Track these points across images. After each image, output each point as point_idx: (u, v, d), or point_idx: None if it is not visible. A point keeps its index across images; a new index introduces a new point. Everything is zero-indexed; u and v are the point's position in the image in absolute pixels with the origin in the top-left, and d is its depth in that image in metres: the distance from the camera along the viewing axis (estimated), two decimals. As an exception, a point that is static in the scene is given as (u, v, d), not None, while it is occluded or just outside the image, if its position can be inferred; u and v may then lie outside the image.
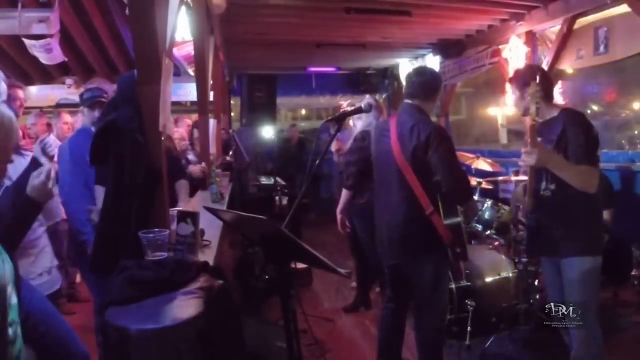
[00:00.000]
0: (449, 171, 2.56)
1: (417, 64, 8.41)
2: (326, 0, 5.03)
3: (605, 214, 3.95)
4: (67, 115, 4.59)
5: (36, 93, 8.29)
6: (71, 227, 3.25)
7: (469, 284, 3.62)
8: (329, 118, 2.47)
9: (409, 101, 2.77)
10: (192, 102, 8.58)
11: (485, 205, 4.03)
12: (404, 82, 9.21)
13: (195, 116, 5.84)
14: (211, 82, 5.10)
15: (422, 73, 2.83)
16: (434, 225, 2.61)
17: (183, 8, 3.62)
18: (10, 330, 1.30)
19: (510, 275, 3.68)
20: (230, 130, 6.78)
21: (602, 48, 4.75)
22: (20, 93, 3.73)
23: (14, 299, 1.37)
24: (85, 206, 2.93)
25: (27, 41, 5.52)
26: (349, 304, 4.38)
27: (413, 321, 2.95)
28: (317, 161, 2.07)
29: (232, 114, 9.50)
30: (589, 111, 10.62)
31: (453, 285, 3.53)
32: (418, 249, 2.69)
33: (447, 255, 2.66)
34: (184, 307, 1.48)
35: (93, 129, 3.01)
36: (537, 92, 2.29)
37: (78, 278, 4.89)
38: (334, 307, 4.42)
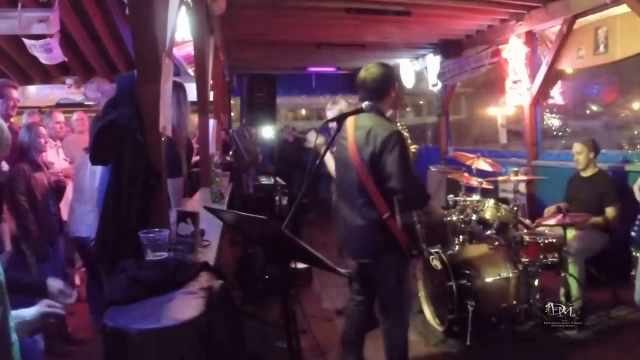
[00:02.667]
0: (400, 177, 2.54)
1: (418, 63, 8.42)
2: (326, 0, 5.03)
3: (611, 211, 3.97)
4: (59, 115, 4.59)
5: (36, 93, 8.30)
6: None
7: (469, 284, 3.62)
8: (330, 118, 2.47)
9: (366, 103, 2.61)
10: (192, 102, 8.58)
11: (486, 205, 4.03)
12: (404, 83, 9.24)
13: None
14: (211, 82, 5.10)
15: (370, 73, 2.70)
16: (390, 230, 2.61)
17: (183, 8, 3.61)
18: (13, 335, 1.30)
19: (510, 275, 3.68)
20: (230, 131, 6.77)
21: (602, 48, 4.75)
22: (14, 93, 3.72)
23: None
24: None
25: (27, 41, 5.52)
26: (343, 307, 4.35)
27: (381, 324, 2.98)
28: (317, 161, 2.08)
29: (232, 114, 9.50)
30: (588, 111, 10.64)
31: (453, 286, 3.53)
32: (377, 252, 2.70)
33: (405, 258, 2.69)
34: (184, 307, 1.48)
35: None
36: None
37: (77, 280, 4.89)
38: (334, 307, 4.42)
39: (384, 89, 2.70)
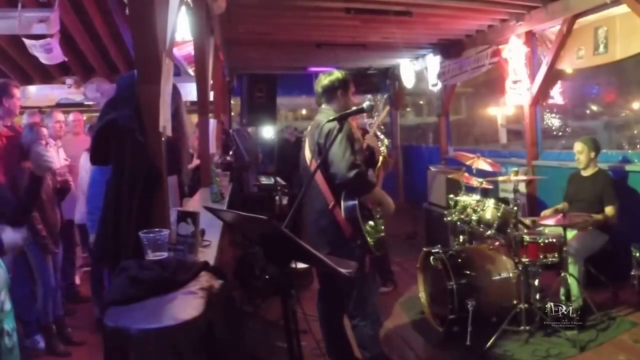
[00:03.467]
0: (339, 162, 2.67)
1: (418, 63, 8.42)
2: (326, 0, 5.03)
3: (610, 210, 3.96)
4: (59, 114, 4.59)
5: (36, 93, 8.30)
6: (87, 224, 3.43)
7: (469, 284, 3.62)
8: (330, 118, 2.49)
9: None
10: (192, 102, 8.58)
11: (486, 205, 4.03)
12: (404, 83, 9.26)
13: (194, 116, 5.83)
14: (211, 82, 5.10)
15: (320, 80, 3.02)
16: (336, 219, 2.76)
17: (183, 8, 3.61)
18: (6, 340, 1.28)
19: (510, 275, 3.68)
20: (230, 131, 6.77)
21: (601, 48, 4.75)
22: (16, 92, 3.73)
23: (7, 305, 1.35)
24: None
25: (27, 41, 5.52)
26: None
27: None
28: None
29: (232, 114, 9.50)
30: (588, 111, 10.64)
31: (453, 286, 3.53)
32: (329, 241, 2.82)
33: (354, 252, 2.75)
34: (185, 307, 1.48)
35: None
36: None
37: (77, 279, 4.90)
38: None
39: (333, 91, 2.99)
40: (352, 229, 2.75)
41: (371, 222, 2.84)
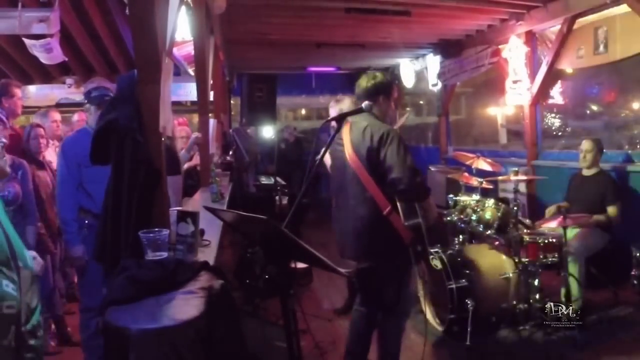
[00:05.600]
0: (402, 167, 2.56)
1: (418, 63, 8.42)
2: (326, 0, 5.03)
3: (613, 210, 3.97)
4: (56, 114, 4.58)
5: (36, 93, 8.30)
6: (59, 226, 3.27)
7: (469, 284, 3.62)
8: (330, 118, 2.48)
9: (366, 103, 2.66)
10: (192, 102, 8.58)
11: (486, 205, 4.03)
12: (404, 83, 9.24)
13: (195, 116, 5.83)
14: (211, 82, 5.11)
15: (369, 77, 2.85)
16: (393, 226, 2.60)
17: (183, 8, 3.62)
18: (32, 341, 1.31)
19: (510, 275, 3.68)
20: (230, 130, 6.78)
21: (602, 48, 4.75)
22: (18, 92, 3.75)
23: (34, 302, 1.37)
24: (75, 206, 2.94)
25: (27, 41, 5.52)
26: (341, 307, 4.35)
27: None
28: (317, 161, 2.08)
29: (232, 113, 9.51)
30: (588, 111, 10.64)
31: (453, 286, 3.53)
32: (380, 251, 2.68)
33: (408, 256, 2.64)
34: (185, 307, 1.48)
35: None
36: None
37: (76, 279, 4.89)
38: (334, 307, 4.42)
39: (382, 91, 2.82)
40: (413, 235, 2.59)
41: None
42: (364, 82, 2.84)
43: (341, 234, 2.88)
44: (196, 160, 4.63)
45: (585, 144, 4.22)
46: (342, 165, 2.82)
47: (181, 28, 4.31)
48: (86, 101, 3.05)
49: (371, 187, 2.63)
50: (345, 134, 2.77)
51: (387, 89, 2.86)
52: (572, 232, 3.93)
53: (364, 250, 2.73)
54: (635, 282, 3.82)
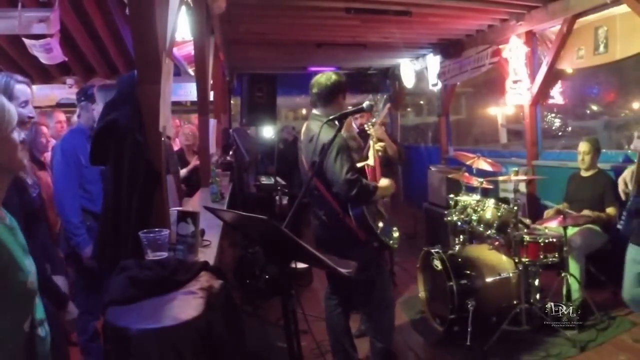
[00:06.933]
0: (338, 181, 2.68)
1: (418, 63, 8.42)
2: (326, 0, 5.03)
3: (612, 210, 3.96)
4: (61, 114, 4.58)
5: (36, 93, 8.23)
6: (64, 229, 3.19)
7: (469, 284, 3.62)
8: (330, 118, 2.48)
9: (313, 111, 2.92)
10: (192, 102, 8.58)
11: (486, 205, 4.02)
12: (404, 83, 9.23)
13: (194, 116, 5.82)
14: (211, 82, 5.10)
15: (318, 81, 2.89)
16: (350, 227, 2.76)
17: (183, 8, 3.61)
18: (39, 330, 1.32)
19: (510, 275, 3.68)
20: (230, 130, 6.76)
21: (602, 48, 4.75)
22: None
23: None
24: (79, 208, 2.93)
25: (27, 41, 5.52)
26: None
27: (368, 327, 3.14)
28: (318, 161, 2.08)
29: (232, 113, 9.50)
30: (588, 111, 10.64)
31: (453, 286, 3.53)
32: (343, 250, 2.71)
33: (371, 253, 2.82)
34: (185, 307, 1.48)
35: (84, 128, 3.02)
36: None
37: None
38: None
39: (332, 94, 2.88)
40: (366, 233, 2.77)
41: (380, 224, 2.85)
42: (319, 84, 2.89)
43: (312, 230, 3.08)
44: (196, 161, 4.65)
45: (583, 146, 4.22)
46: (303, 168, 2.99)
47: (181, 28, 4.31)
48: (83, 99, 3.04)
49: (325, 194, 2.80)
50: (302, 136, 2.95)
51: (344, 89, 2.93)
52: (572, 230, 3.93)
53: (331, 249, 2.80)
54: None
